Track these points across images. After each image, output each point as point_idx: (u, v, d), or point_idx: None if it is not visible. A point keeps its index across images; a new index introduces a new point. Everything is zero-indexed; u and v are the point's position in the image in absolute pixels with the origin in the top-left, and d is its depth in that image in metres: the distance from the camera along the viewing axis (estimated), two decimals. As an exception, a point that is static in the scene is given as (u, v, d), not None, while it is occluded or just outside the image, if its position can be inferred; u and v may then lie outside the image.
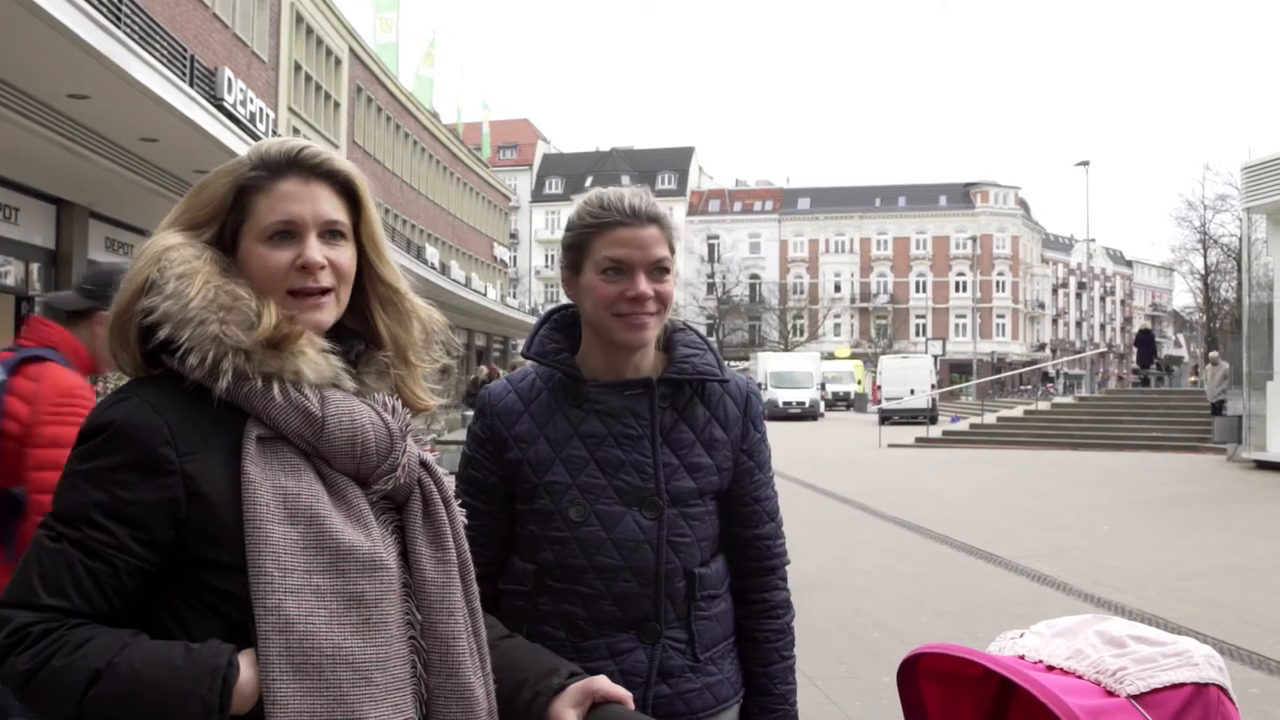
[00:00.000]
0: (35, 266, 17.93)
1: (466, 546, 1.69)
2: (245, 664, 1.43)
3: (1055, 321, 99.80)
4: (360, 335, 1.70)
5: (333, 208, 1.63)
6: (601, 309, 2.16)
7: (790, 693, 2.30)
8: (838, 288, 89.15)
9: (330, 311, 1.63)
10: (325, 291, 1.61)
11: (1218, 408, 26.18)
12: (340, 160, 1.67)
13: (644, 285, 2.13)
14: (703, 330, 2.61)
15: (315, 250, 1.60)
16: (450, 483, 1.74)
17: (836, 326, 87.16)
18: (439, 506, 1.66)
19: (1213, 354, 29.53)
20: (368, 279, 1.70)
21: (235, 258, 1.60)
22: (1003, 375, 62.47)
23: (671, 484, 2.17)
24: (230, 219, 1.60)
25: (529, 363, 2.31)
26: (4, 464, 3.29)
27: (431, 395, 1.75)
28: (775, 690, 2.28)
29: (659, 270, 2.16)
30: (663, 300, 2.16)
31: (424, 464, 1.69)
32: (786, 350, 71.46)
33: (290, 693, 1.43)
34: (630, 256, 2.14)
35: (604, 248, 2.15)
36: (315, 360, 1.56)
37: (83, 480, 1.47)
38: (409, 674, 1.55)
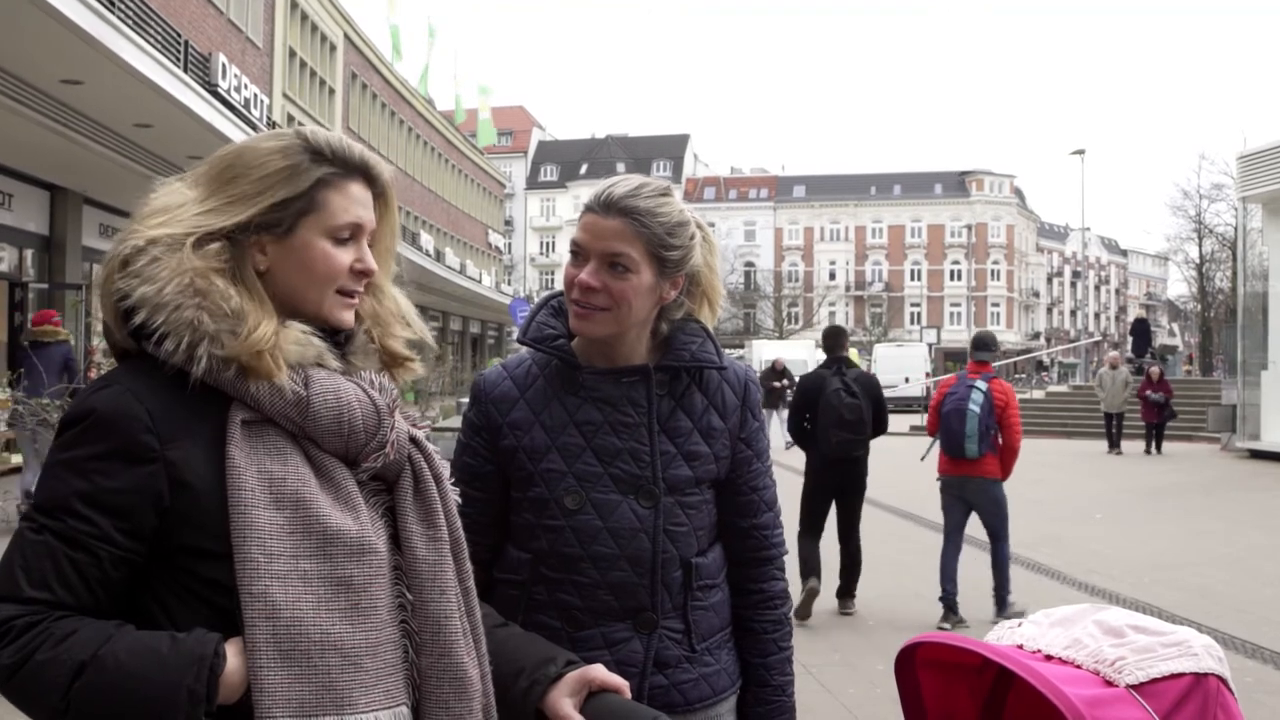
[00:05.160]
0: (29, 252, 17.89)
1: (459, 525, 1.67)
2: (232, 653, 1.41)
3: (1050, 310, 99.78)
4: None
5: (374, 219, 1.67)
6: (565, 292, 2.16)
7: (788, 684, 2.28)
8: (832, 275, 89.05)
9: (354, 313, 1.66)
10: (360, 295, 1.65)
11: (1116, 420, 23.50)
12: (389, 172, 1.70)
13: (587, 274, 2.08)
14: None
15: (371, 258, 1.64)
16: (442, 461, 1.72)
17: (831, 314, 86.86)
18: (430, 483, 1.65)
19: (1111, 354, 27.15)
20: None
21: (287, 243, 1.59)
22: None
23: (669, 472, 2.14)
24: (297, 205, 1.58)
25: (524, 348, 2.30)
26: None
27: (412, 355, 1.75)
28: (773, 681, 2.26)
29: (614, 265, 2.08)
30: (614, 296, 2.08)
31: (414, 441, 1.68)
32: (781, 338, 71.39)
33: (278, 680, 1.41)
34: (583, 242, 2.10)
35: (575, 231, 2.15)
36: (299, 341, 1.55)
37: (64, 470, 1.46)
38: (400, 659, 1.53)
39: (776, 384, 23.54)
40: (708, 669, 2.19)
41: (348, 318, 1.63)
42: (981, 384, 7.88)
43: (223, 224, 1.55)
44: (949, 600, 7.93)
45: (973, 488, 7.97)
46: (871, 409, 8.37)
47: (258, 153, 1.60)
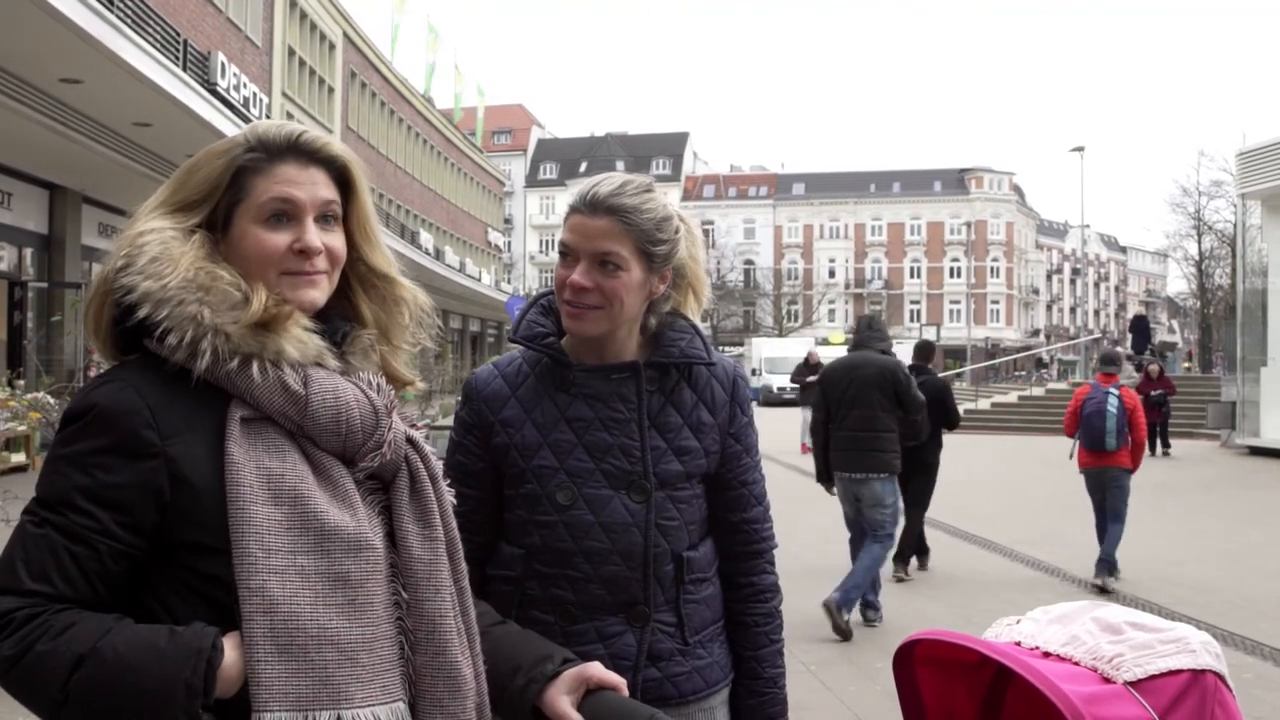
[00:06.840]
0: (29, 251, 17.90)
1: (454, 525, 1.68)
2: (230, 646, 1.42)
3: (1049, 307, 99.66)
4: (346, 317, 1.69)
5: (329, 193, 1.63)
6: (556, 293, 2.16)
7: (779, 676, 2.30)
8: (832, 273, 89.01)
9: (323, 291, 1.62)
10: (319, 273, 1.61)
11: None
12: (337, 145, 1.67)
13: (578, 274, 2.09)
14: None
15: (314, 234, 1.60)
16: (438, 462, 1.72)
17: (831, 312, 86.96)
18: (426, 484, 1.65)
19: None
20: (351, 263, 1.69)
21: (228, 238, 1.59)
22: (997, 361, 62.35)
23: (659, 467, 2.16)
24: (225, 199, 1.59)
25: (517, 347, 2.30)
26: None
27: (415, 374, 1.75)
28: (764, 674, 2.28)
29: (605, 263, 2.09)
30: (606, 295, 2.09)
31: (411, 441, 1.68)
32: (781, 336, 71.42)
33: (275, 674, 1.42)
34: (572, 243, 2.12)
35: (562, 232, 2.16)
36: (299, 339, 1.55)
37: (65, 464, 1.46)
38: (397, 655, 1.54)
39: (812, 378, 17.52)
40: (700, 662, 2.20)
41: (306, 296, 1.60)
42: (1115, 390, 9.62)
43: (181, 227, 1.56)
44: (1109, 561, 9.34)
45: (1109, 476, 9.56)
46: (932, 408, 9.45)
47: (204, 156, 1.62)
